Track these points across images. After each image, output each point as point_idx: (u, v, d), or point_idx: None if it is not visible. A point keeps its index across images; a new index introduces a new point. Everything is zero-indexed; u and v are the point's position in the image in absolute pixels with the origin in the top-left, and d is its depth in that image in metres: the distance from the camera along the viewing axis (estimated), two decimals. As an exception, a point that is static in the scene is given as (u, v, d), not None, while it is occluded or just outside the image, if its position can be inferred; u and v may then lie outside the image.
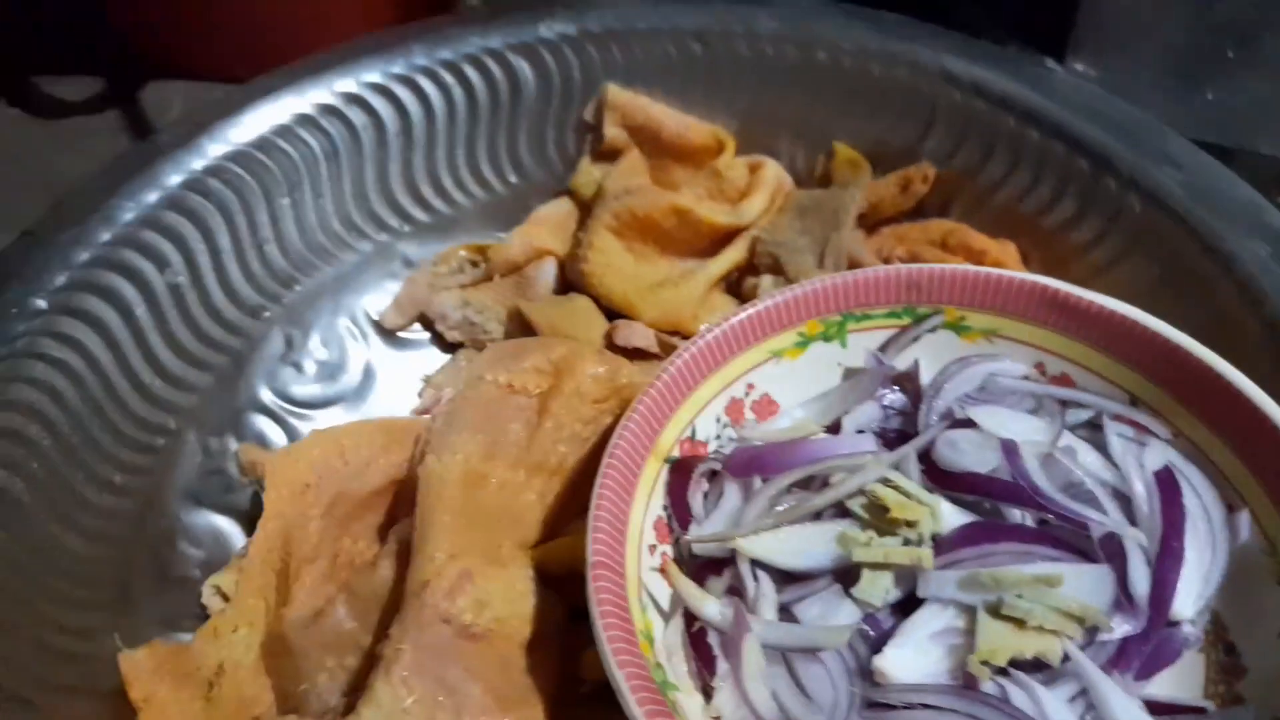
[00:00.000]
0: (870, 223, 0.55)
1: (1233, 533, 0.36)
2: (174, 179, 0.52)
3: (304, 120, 0.56)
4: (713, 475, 0.42)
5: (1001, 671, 0.34)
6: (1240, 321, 0.43)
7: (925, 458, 0.39)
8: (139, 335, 0.50)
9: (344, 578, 0.44)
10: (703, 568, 0.39)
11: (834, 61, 0.55)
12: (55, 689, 0.41)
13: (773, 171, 0.57)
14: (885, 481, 0.38)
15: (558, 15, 0.58)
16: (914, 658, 0.34)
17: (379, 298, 0.59)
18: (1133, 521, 0.37)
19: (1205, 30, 0.56)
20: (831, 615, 0.36)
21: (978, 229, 0.52)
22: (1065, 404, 0.40)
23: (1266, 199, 0.46)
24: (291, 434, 0.54)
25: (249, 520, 0.50)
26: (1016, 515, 0.37)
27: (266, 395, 0.54)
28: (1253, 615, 0.36)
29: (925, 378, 0.42)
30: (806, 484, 0.40)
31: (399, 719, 0.36)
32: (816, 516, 0.38)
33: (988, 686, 0.33)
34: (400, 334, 0.59)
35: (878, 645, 0.35)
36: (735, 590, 0.38)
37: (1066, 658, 0.34)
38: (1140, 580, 0.35)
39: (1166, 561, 0.35)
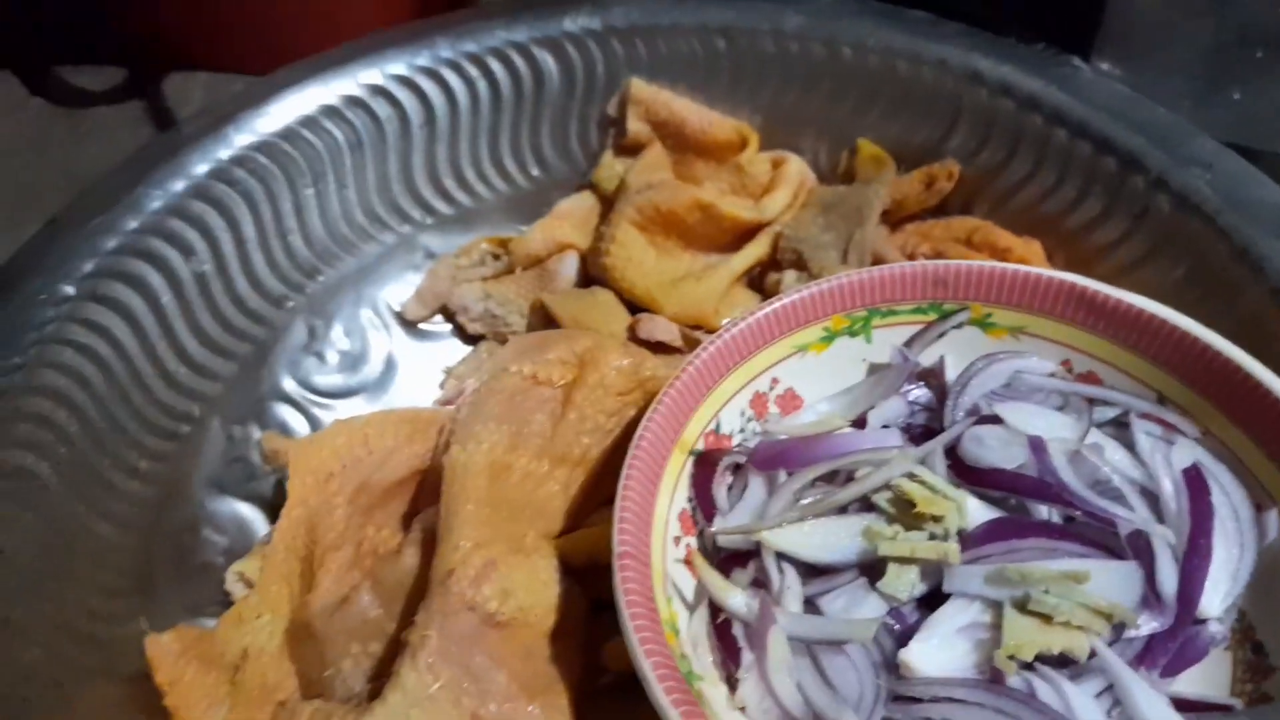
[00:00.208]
0: (894, 220, 0.55)
1: (1261, 531, 0.36)
2: (200, 168, 0.52)
3: (329, 111, 0.56)
4: (737, 468, 0.42)
5: (1028, 667, 0.34)
6: (1269, 324, 0.43)
7: (951, 453, 0.39)
8: (164, 323, 0.50)
9: (368, 565, 0.44)
10: (727, 560, 0.39)
11: (859, 59, 0.55)
12: (82, 672, 0.41)
13: (796, 167, 0.57)
14: (911, 476, 0.38)
15: (582, 9, 0.58)
16: (939, 652, 0.34)
17: (401, 289, 0.59)
18: (1160, 519, 0.37)
19: (1233, 31, 0.55)
20: (857, 609, 0.36)
21: (1001, 227, 0.52)
22: (1092, 402, 0.40)
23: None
24: (314, 423, 0.54)
25: (272, 508, 0.50)
26: (1043, 512, 0.37)
27: (289, 384, 0.55)
28: (1280, 614, 0.36)
29: (951, 374, 0.42)
30: (831, 478, 0.40)
31: (425, 705, 0.36)
32: (842, 510, 0.38)
33: (1014, 681, 0.33)
34: (422, 325, 0.59)
35: (903, 639, 0.35)
36: (760, 583, 0.38)
37: (1093, 654, 0.34)
38: (1168, 578, 0.35)
39: (1194, 559, 0.35)
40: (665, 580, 0.37)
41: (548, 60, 0.58)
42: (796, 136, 0.58)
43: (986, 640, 0.34)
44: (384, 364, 0.58)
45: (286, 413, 0.54)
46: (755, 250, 0.55)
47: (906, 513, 0.37)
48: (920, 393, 0.43)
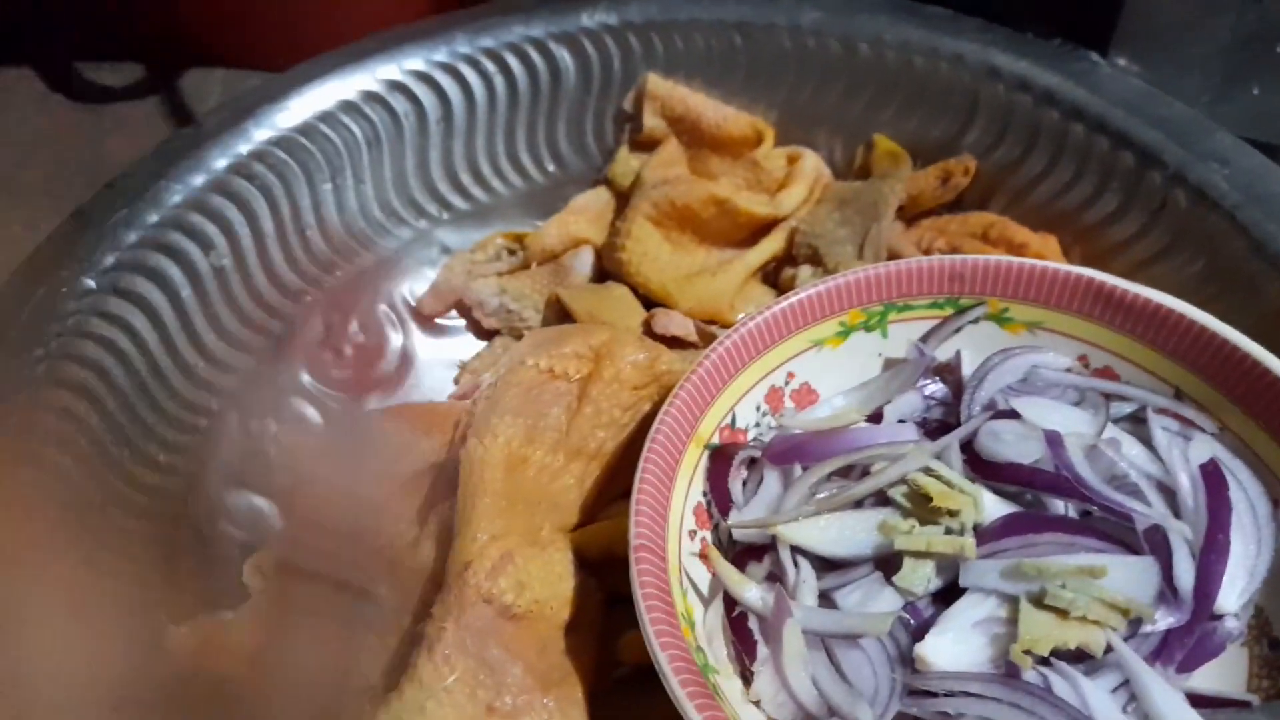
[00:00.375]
0: (909, 215, 0.55)
1: (1278, 527, 0.36)
2: (220, 162, 0.53)
3: (347, 106, 0.56)
4: (752, 463, 0.42)
5: (1043, 662, 0.34)
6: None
7: (967, 448, 0.39)
8: (184, 316, 0.51)
9: (385, 558, 0.44)
10: (743, 554, 0.39)
11: (876, 55, 0.55)
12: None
13: (811, 163, 0.57)
14: (927, 471, 0.38)
15: (599, 5, 0.58)
16: (955, 646, 0.34)
17: (417, 284, 0.60)
18: (1177, 515, 0.37)
19: (1251, 26, 0.55)
20: (872, 603, 0.36)
21: (1018, 223, 0.52)
22: (1109, 397, 0.40)
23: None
24: (330, 418, 0.55)
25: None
26: (1059, 506, 0.37)
27: (306, 379, 0.55)
28: (1297, 611, 0.36)
29: (967, 369, 0.42)
30: (846, 473, 0.40)
31: (441, 697, 0.36)
32: (858, 504, 0.38)
33: (1030, 676, 0.33)
34: (437, 320, 0.59)
35: (918, 634, 0.35)
36: (775, 577, 0.38)
37: (1109, 649, 0.34)
38: (1185, 573, 0.35)
39: (1211, 555, 0.35)
40: (680, 574, 0.38)
41: (565, 56, 0.59)
42: (812, 132, 0.58)
43: (1002, 635, 0.34)
44: (400, 358, 0.58)
45: (303, 407, 0.54)
46: (770, 245, 0.55)
47: (922, 507, 0.37)
48: (936, 388, 0.43)
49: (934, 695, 0.34)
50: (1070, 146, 0.51)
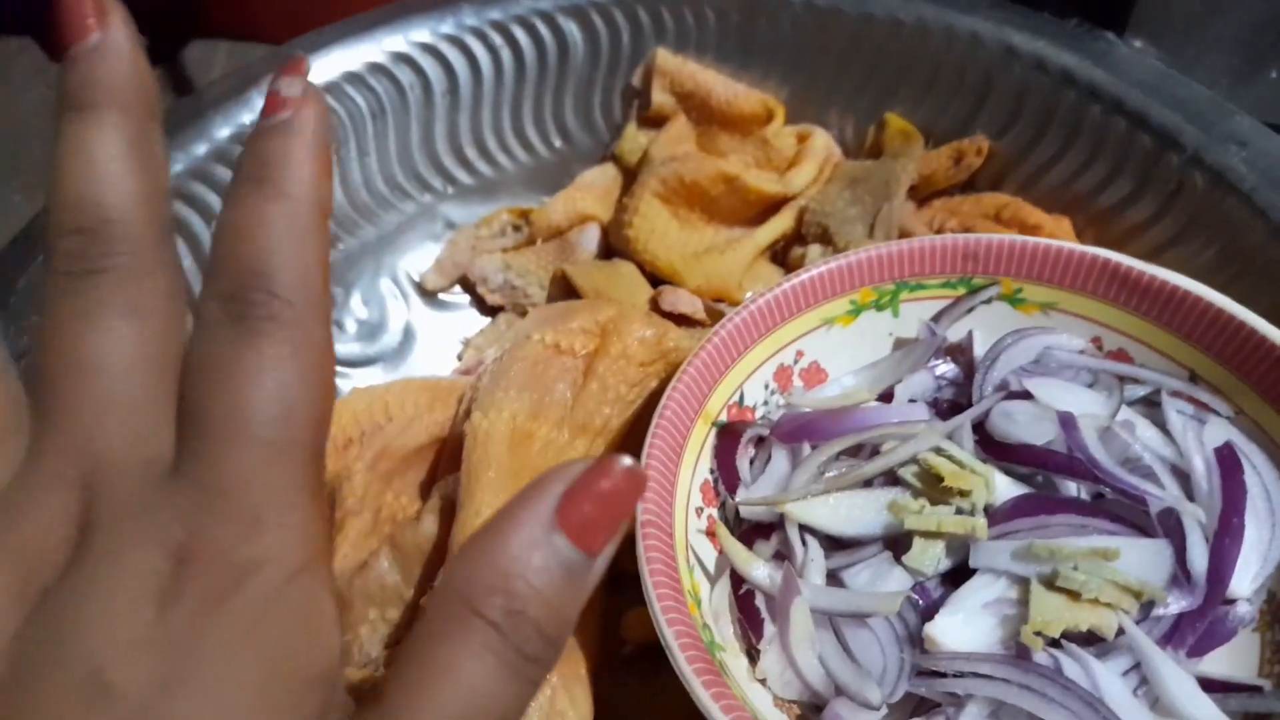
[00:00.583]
0: (921, 195, 0.55)
1: (1294, 512, 0.36)
2: (223, 131, 0.52)
3: (352, 78, 0.56)
4: (760, 441, 0.42)
5: (1054, 644, 0.33)
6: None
7: (979, 429, 0.39)
8: (186, 289, 0.50)
9: (387, 532, 0.44)
10: (750, 532, 0.39)
11: (890, 32, 0.54)
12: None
13: (822, 141, 0.56)
14: (938, 451, 0.37)
15: (609, -22, 0.57)
16: (965, 627, 0.34)
17: (421, 259, 0.59)
18: (1191, 498, 0.36)
19: (1269, 7, 0.54)
20: (881, 582, 0.36)
21: (1031, 204, 0.51)
22: (1123, 379, 0.40)
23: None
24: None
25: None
26: (1071, 488, 0.37)
27: (308, 352, 0.54)
28: (1310, 597, 0.35)
29: (979, 349, 0.42)
30: (855, 452, 0.40)
31: (444, 671, 0.36)
32: (867, 484, 0.38)
33: (1040, 657, 0.33)
34: (441, 296, 0.59)
35: (928, 614, 0.35)
36: (782, 555, 0.38)
37: (1120, 632, 0.33)
38: (1198, 557, 0.34)
39: (1225, 539, 0.35)
40: (687, 551, 0.37)
41: (573, 29, 0.58)
42: (823, 110, 0.58)
43: (1013, 616, 0.34)
44: (403, 334, 0.57)
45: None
46: (780, 224, 0.54)
47: (933, 487, 0.36)
48: (947, 368, 0.43)
49: (943, 676, 0.33)
50: (1087, 128, 0.50)
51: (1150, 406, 0.40)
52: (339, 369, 0.55)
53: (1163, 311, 0.39)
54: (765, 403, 0.43)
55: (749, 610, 0.37)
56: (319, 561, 0.21)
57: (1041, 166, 0.52)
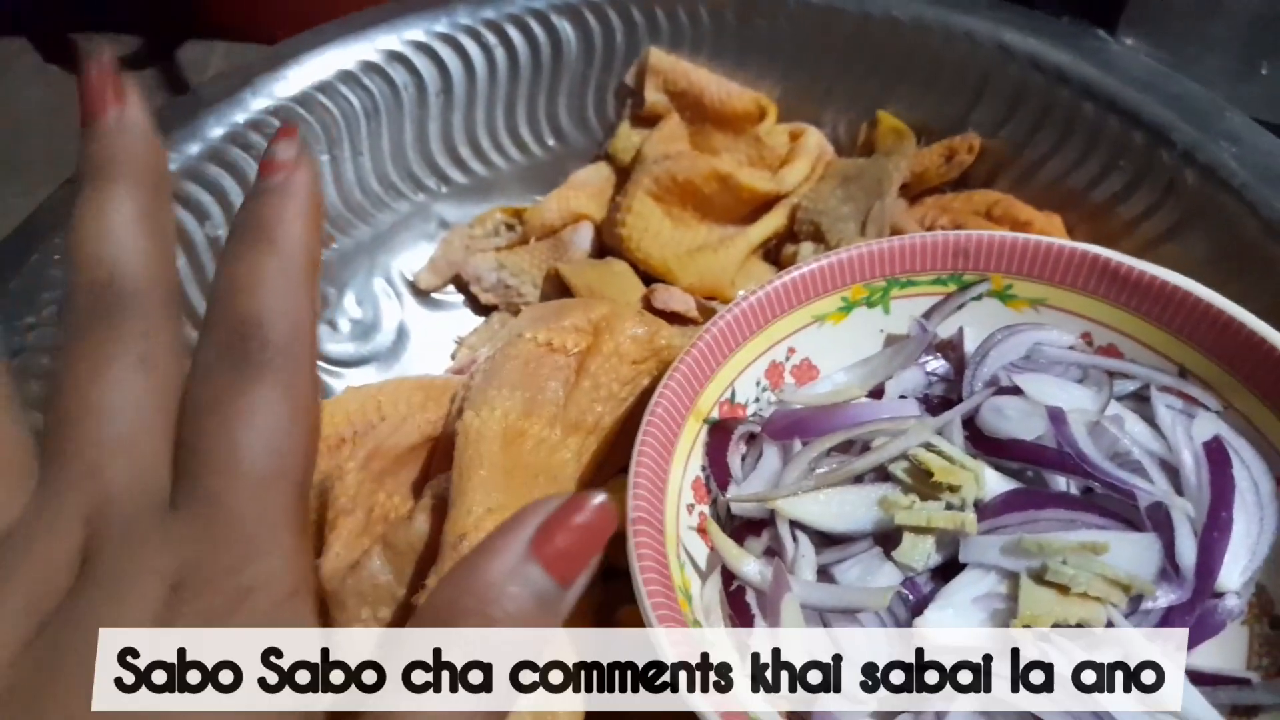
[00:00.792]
0: (913, 193, 0.55)
1: (1282, 506, 0.36)
2: (216, 131, 0.52)
3: (346, 77, 0.56)
4: (751, 438, 0.42)
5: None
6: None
7: (969, 424, 0.39)
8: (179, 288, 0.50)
9: (379, 531, 0.44)
10: (741, 528, 0.39)
11: (884, 31, 0.55)
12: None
13: (814, 139, 0.57)
14: (928, 446, 0.37)
15: (602, -23, 0.58)
16: (955, 621, 0.34)
17: (414, 258, 0.59)
18: (1180, 492, 0.36)
19: (1264, 6, 0.54)
20: (871, 578, 0.36)
21: (1023, 201, 0.51)
22: (1112, 375, 0.40)
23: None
24: (325, 391, 0.54)
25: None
26: (1061, 483, 0.37)
27: (302, 352, 0.54)
28: (1299, 590, 0.35)
29: (970, 345, 0.42)
30: (846, 448, 0.40)
31: (435, 668, 0.36)
32: (857, 480, 0.38)
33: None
34: (435, 295, 0.59)
35: (918, 609, 0.35)
36: (773, 551, 0.38)
37: (1110, 625, 0.33)
38: (1187, 550, 0.34)
39: (1213, 532, 0.35)
40: (678, 548, 0.37)
41: (566, 28, 0.58)
42: (816, 108, 0.58)
43: (1002, 610, 0.34)
44: (396, 333, 0.58)
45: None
46: (773, 222, 0.54)
47: (923, 482, 0.36)
48: (938, 364, 0.43)
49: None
50: (1080, 125, 0.50)
51: (1140, 401, 0.40)
52: (333, 368, 0.56)
53: (1153, 307, 0.40)
54: (757, 399, 0.43)
55: (740, 606, 0.37)
56: (306, 587, 0.23)
57: (1034, 163, 0.52)
